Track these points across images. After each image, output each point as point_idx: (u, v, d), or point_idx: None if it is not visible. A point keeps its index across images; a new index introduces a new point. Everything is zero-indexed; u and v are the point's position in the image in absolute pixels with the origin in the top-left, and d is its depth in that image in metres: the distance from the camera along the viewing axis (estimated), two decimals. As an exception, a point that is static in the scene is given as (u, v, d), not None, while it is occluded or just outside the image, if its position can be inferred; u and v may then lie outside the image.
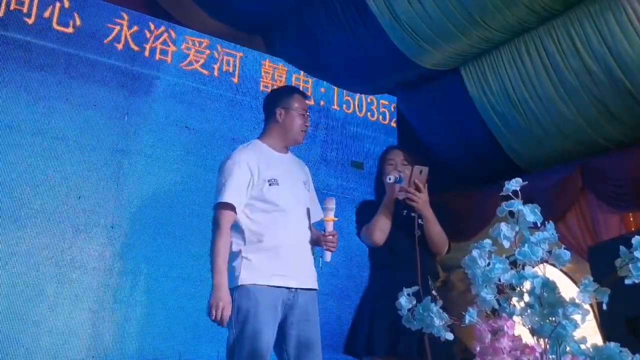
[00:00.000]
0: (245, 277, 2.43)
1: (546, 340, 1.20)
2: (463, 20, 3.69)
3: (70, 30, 3.73)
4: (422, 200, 2.62)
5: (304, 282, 2.52)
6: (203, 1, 4.33)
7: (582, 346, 1.20)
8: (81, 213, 3.47)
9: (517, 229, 1.29)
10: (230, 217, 2.49)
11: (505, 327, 1.22)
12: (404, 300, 1.32)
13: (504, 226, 1.30)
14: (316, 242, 2.65)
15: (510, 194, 1.32)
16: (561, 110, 3.86)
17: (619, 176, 3.85)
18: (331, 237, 2.57)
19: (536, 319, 1.21)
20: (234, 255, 2.51)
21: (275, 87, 4.19)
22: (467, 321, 1.27)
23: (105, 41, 3.81)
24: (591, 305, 1.33)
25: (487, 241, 1.31)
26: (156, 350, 3.52)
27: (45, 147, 3.44)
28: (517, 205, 1.30)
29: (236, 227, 2.52)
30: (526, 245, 1.27)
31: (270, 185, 2.54)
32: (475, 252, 1.29)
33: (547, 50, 3.78)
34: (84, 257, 3.39)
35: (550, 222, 1.31)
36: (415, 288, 1.36)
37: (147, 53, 3.94)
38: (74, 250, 3.39)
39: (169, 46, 4.04)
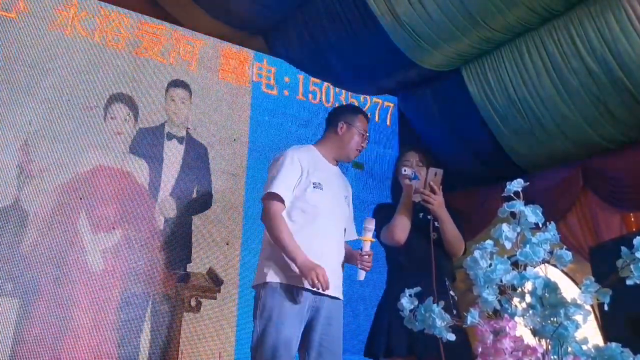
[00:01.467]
0: (274, 275, 2.48)
1: (548, 340, 1.20)
2: (464, 20, 3.69)
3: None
4: (437, 202, 2.65)
5: (330, 291, 2.53)
6: (203, 1, 4.33)
7: (584, 347, 1.20)
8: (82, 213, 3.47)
9: (518, 229, 1.30)
10: (280, 207, 2.54)
11: (507, 327, 1.22)
12: (406, 301, 1.33)
13: (505, 227, 1.30)
14: (348, 259, 2.70)
15: (512, 195, 1.33)
16: (562, 110, 3.86)
17: (620, 176, 3.85)
18: (367, 256, 2.59)
19: (538, 319, 1.21)
20: (265, 251, 2.57)
21: (235, 76, 4.16)
22: (468, 322, 1.27)
23: (50, 28, 3.60)
24: (592, 306, 1.33)
25: (489, 242, 1.31)
26: (156, 350, 3.52)
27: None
28: (518, 205, 1.30)
29: None
30: (528, 246, 1.27)
31: (314, 187, 2.59)
32: (476, 253, 1.30)
33: (547, 50, 3.78)
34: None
35: (552, 222, 1.31)
36: (417, 289, 1.37)
37: (96, 38, 3.74)
38: (75, 251, 3.39)
39: (120, 33, 3.84)
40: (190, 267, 3.76)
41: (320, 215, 2.58)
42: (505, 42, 3.99)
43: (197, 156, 3.98)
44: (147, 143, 3.80)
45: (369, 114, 2.95)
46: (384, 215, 2.82)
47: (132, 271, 3.53)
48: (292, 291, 2.46)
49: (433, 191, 2.63)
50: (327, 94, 4.70)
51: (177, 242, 3.74)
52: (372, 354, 2.71)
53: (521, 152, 4.31)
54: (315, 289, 2.46)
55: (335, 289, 2.59)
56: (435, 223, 2.64)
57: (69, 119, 3.56)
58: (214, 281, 3.79)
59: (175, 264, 3.69)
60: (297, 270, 2.45)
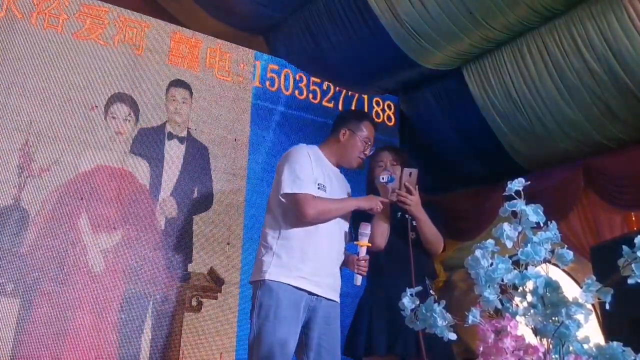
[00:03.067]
0: (272, 273, 2.47)
1: (549, 340, 1.20)
2: (465, 20, 3.69)
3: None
4: (414, 203, 2.63)
5: (327, 292, 2.56)
6: (204, 1, 4.33)
7: (585, 346, 1.20)
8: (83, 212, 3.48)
9: (519, 228, 1.29)
10: (314, 199, 2.54)
11: (509, 327, 1.22)
12: (407, 301, 1.33)
13: (506, 226, 1.30)
14: (345, 263, 2.70)
15: (513, 194, 1.33)
16: (563, 109, 3.86)
17: (621, 175, 3.85)
18: (363, 261, 2.59)
19: (539, 318, 1.21)
20: (265, 248, 2.56)
21: (186, 60, 4.05)
22: (470, 321, 1.27)
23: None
24: (593, 305, 1.33)
25: (490, 241, 1.31)
26: (158, 350, 3.52)
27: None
28: (519, 205, 1.30)
29: (275, 220, 2.59)
30: (529, 245, 1.27)
31: (318, 188, 2.58)
32: (478, 252, 1.30)
33: (549, 50, 3.78)
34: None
35: (553, 221, 1.31)
36: (418, 288, 1.37)
37: (33, 21, 3.58)
38: (76, 251, 3.39)
39: (59, 14, 3.66)
40: (191, 267, 3.76)
41: None
42: (506, 42, 3.98)
43: (198, 156, 3.98)
44: (148, 143, 3.80)
45: (375, 122, 2.93)
46: (360, 217, 2.81)
47: (133, 271, 3.53)
48: (289, 290, 2.46)
49: (409, 191, 2.62)
50: (324, 93, 4.68)
51: (178, 242, 3.74)
52: (352, 353, 2.71)
53: (522, 151, 4.30)
54: (312, 292, 2.49)
55: (332, 291, 2.61)
56: (413, 223, 2.64)
57: (70, 119, 3.56)
58: (215, 281, 3.79)
59: (176, 264, 3.69)
60: (296, 270, 2.47)
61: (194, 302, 3.69)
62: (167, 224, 3.75)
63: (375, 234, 2.68)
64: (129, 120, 3.77)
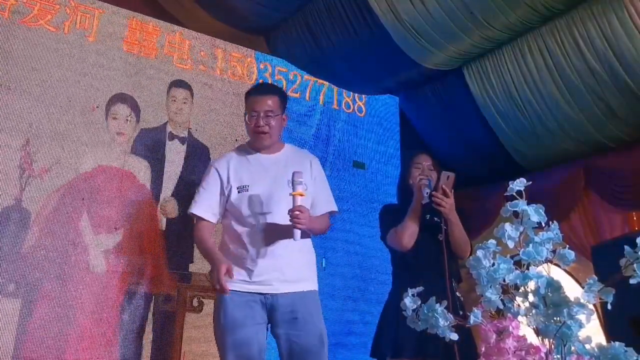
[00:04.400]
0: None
1: (551, 340, 1.20)
2: (465, 20, 3.69)
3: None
4: (449, 206, 2.65)
5: (280, 288, 2.46)
6: (204, 1, 4.33)
7: (587, 346, 1.20)
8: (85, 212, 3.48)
9: (521, 229, 1.30)
10: (204, 225, 2.58)
11: (510, 327, 1.22)
12: (409, 301, 1.33)
13: (508, 226, 1.30)
14: (312, 230, 2.57)
15: (514, 194, 1.33)
16: (564, 109, 3.86)
17: (622, 175, 3.85)
18: (298, 212, 2.37)
19: (541, 319, 1.21)
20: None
21: (142, 48, 3.88)
22: (471, 321, 1.27)
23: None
24: (594, 305, 1.33)
25: (492, 241, 1.31)
26: (159, 350, 3.52)
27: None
28: (521, 205, 1.30)
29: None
30: (530, 245, 1.27)
31: (239, 192, 2.54)
32: (479, 253, 1.30)
33: (549, 49, 3.78)
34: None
35: (555, 221, 1.31)
36: (420, 288, 1.37)
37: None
38: (77, 251, 3.39)
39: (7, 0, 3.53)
40: (192, 267, 3.76)
41: (252, 217, 2.50)
42: (507, 42, 3.98)
43: (199, 156, 3.97)
44: (149, 143, 3.80)
45: (259, 89, 2.77)
46: (391, 218, 2.82)
47: (134, 272, 3.53)
48: (238, 295, 2.42)
49: (446, 194, 2.64)
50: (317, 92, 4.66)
51: (179, 242, 3.74)
52: (380, 354, 2.70)
53: (523, 151, 4.30)
54: (261, 292, 2.44)
55: (290, 284, 2.48)
56: (444, 226, 2.64)
57: (70, 120, 3.57)
58: (216, 281, 3.78)
59: (177, 264, 3.70)
60: (238, 277, 2.43)
61: (195, 302, 3.69)
62: (168, 224, 3.75)
63: (405, 234, 2.69)
64: (130, 121, 3.77)
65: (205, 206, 2.58)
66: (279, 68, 4.47)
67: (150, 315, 3.53)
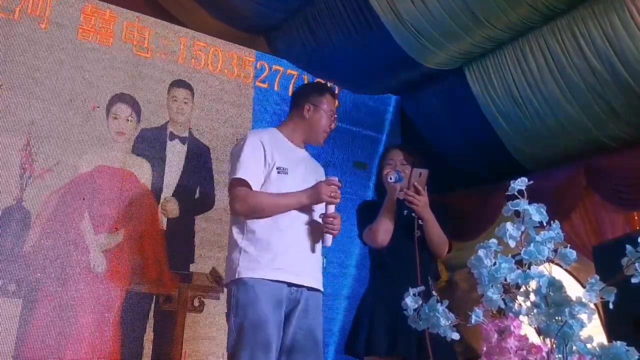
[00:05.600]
0: (244, 270, 2.33)
1: (552, 339, 1.20)
2: (467, 19, 3.69)
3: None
4: (422, 203, 2.60)
5: (305, 280, 2.42)
6: (204, 1, 4.33)
7: (589, 345, 1.20)
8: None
9: (522, 228, 1.29)
10: (253, 192, 2.40)
11: (512, 326, 1.22)
12: (410, 301, 1.33)
13: (509, 226, 1.30)
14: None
15: (516, 194, 1.32)
16: (565, 109, 3.85)
17: (624, 175, 3.84)
18: (331, 219, 2.44)
19: (542, 318, 1.21)
20: (232, 247, 2.43)
21: (99, 35, 3.77)
22: (473, 321, 1.27)
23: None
24: (595, 305, 1.33)
25: (493, 241, 1.31)
26: (160, 351, 3.53)
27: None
28: (522, 204, 1.30)
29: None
30: (532, 244, 1.27)
31: (278, 173, 2.45)
32: (481, 252, 1.30)
33: (551, 49, 3.77)
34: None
35: (556, 221, 1.31)
36: (420, 288, 1.37)
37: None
38: (78, 251, 3.39)
39: None
40: (193, 267, 3.76)
41: None
42: (508, 41, 3.98)
43: (199, 156, 3.98)
44: (150, 143, 3.80)
45: (335, 93, 2.82)
46: (367, 214, 2.79)
47: (135, 271, 3.53)
48: (265, 284, 2.31)
49: (417, 192, 2.59)
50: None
51: (180, 242, 3.75)
52: (353, 352, 2.68)
53: (524, 151, 4.30)
54: (289, 281, 2.36)
55: (313, 279, 2.47)
56: (420, 221, 2.61)
57: (71, 120, 3.57)
58: (217, 281, 3.79)
59: (178, 264, 3.70)
60: (267, 262, 2.34)
61: (196, 302, 3.70)
62: (169, 224, 3.75)
63: (379, 231, 2.66)
64: (130, 121, 3.77)
65: (255, 173, 2.42)
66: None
67: (151, 315, 3.53)
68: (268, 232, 2.39)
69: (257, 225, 2.40)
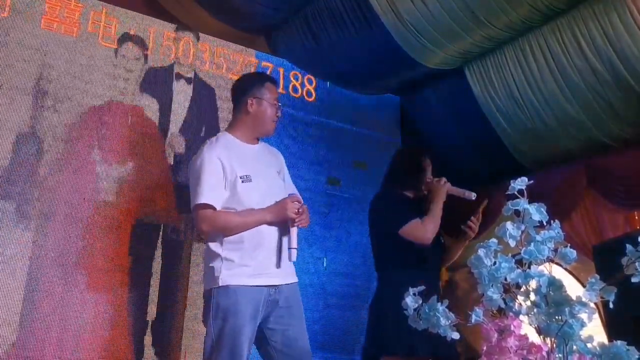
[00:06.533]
0: (226, 278, 2.36)
1: (553, 339, 1.20)
2: (467, 19, 3.69)
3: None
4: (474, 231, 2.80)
5: (286, 278, 2.47)
6: (205, 1, 4.32)
7: (589, 345, 1.20)
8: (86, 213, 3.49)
9: (522, 227, 1.29)
10: (218, 213, 2.42)
11: (512, 326, 1.22)
12: (410, 300, 1.33)
13: (509, 225, 1.30)
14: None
15: (516, 193, 1.33)
16: (565, 109, 3.85)
17: (624, 175, 3.84)
18: (298, 204, 2.47)
19: (542, 317, 1.21)
20: (212, 256, 2.45)
21: (65, 25, 3.63)
22: (473, 320, 1.27)
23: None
24: (596, 304, 1.33)
25: (493, 240, 1.31)
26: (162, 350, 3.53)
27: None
28: (522, 204, 1.30)
29: None
30: (532, 244, 1.27)
31: (242, 182, 2.45)
32: (481, 252, 1.30)
33: (551, 49, 3.77)
34: (90, 258, 3.38)
35: (556, 220, 1.31)
36: (422, 287, 1.37)
37: None
38: (80, 251, 3.40)
39: None
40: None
41: (256, 207, 2.46)
42: (509, 41, 3.98)
43: (205, 97, 4.03)
44: (157, 82, 3.87)
45: (274, 79, 2.78)
46: (401, 206, 2.82)
47: (143, 202, 3.60)
48: (247, 290, 2.36)
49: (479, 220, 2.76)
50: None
51: (187, 178, 3.80)
52: (371, 352, 2.68)
53: (525, 150, 4.30)
54: (272, 284, 2.40)
55: (291, 274, 2.52)
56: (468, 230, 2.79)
57: (82, 55, 3.63)
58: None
59: (185, 196, 3.69)
60: (250, 269, 2.38)
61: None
62: (175, 160, 3.82)
63: (431, 230, 2.71)
64: (139, 59, 3.85)
65: (217, 193, 2.43)
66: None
67: (159, 244, 3.62)
68: (249, 240, 2.42)
69: (235, 235, 2.44)
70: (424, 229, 2.71)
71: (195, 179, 2.45)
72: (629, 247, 1.22)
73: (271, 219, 2.43)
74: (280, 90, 4.34)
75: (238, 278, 2.37)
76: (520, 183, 1.33)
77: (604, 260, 3.27)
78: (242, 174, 2.46)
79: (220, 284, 2.36)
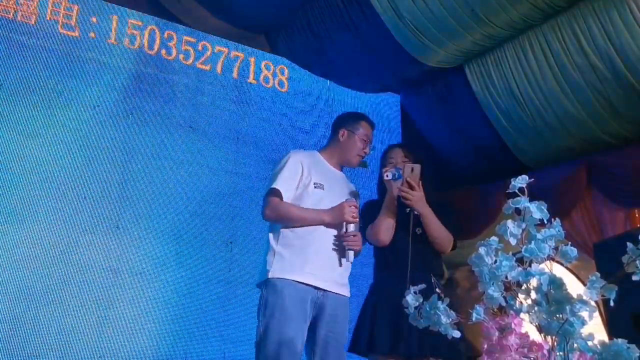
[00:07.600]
0: (276, 271, 2.53)
1: (553, 337, 1.20)
2: (467, 17, 3.68)
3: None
4: (415, 198, 2.61)
5: (333, 287, 2.60)
6: (206, 0, 4.32)
7: (590, 343, 1.20)
8: (86, 213, 3.49)
9: (523, 226, 1.29)
10: (284, 202, 2.62)
11: (513, 324, 1.22)
12: (411, 298, 1.33)
13: (510, 223, 1.30)
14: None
15: (516, 191, 1.32)
16: (566, 107, 3.85)
17: (624, 173, 3.84)
18: (352, 236, 2.63)
19: (543, 316, 1.21)
20: (267, 250, 2.63)
21: (20, 12, 3.47)
22: (474, 319, 1.27)
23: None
24: (597, 302, 1.33)
25: (494, 239, 1.31)
26: (162, 349, 3.53)
27: (49, 148, 3.47)
28: (523, 202, 1.30)
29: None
30: (533, 242, 1.27)
31: (315, 187, 2.67)
32: (481, 250, 1.29)
33: (551, 47, 3.77)
34: (89, 258, 3.40)
35: (557, 218, 1.31)
36: (422, 286, 1.36)
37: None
38: (79, 251, 3.40)
39: None
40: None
41: None
42: (508, 39, 3.98)
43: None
44: None
45: (371, 121, 2.99)
46: (370, 213, 2.80)
47: None
48: (294, 286, 2.50)
49: (411, 187, 2.62)
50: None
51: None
52: (357, 350, 2.68)
53: (525, 149, 4.30)
54: (317, 286, 2.53)
55: (339, 285, 2.64)
56: (416, 214, 2.62)
57: None
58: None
59: None
60: (299, 266, 2.52)
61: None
62: None
63: (380, 229, 2.67)
64: None
65: (288, 186, 2.65)
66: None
67: None
68: (301, 240, 2.59)
69: (292, 232, 2.61)
70: (373, 232, 2.72)
71: (274, 173, 2.71)
72: (629, 245, 1.22)
73: (329, 220, 2.62)
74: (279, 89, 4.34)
75: (286, 273, 2.52)
76: (521, 181, 1.32)
77: (604, 258, 3.26)
78: (317, 181, 2.69)
79: (268, 277, 2.52)
